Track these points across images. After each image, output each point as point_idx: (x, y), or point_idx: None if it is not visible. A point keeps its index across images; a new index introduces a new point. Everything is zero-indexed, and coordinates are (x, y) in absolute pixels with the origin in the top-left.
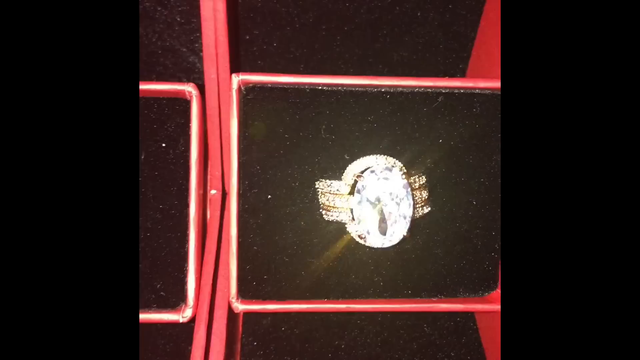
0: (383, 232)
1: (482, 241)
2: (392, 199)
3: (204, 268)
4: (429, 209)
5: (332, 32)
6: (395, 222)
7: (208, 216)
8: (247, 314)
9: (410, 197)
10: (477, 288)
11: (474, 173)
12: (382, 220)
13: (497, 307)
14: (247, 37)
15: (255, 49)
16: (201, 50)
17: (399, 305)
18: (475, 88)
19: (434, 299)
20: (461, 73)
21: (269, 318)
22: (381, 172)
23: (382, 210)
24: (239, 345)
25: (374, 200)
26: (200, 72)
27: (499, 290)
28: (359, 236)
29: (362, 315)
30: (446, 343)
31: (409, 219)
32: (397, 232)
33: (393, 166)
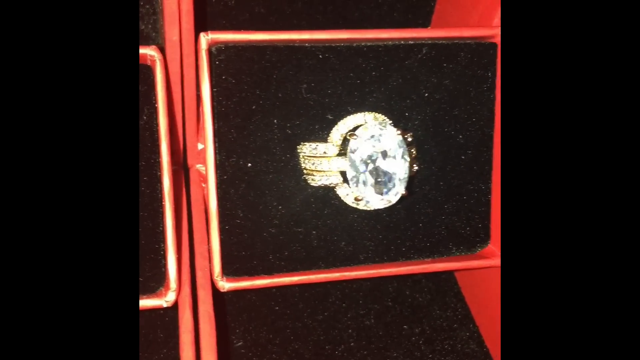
0: (380, 192)
1: (473, 196)
2: (388, 157)
3: (182, 247)
4: (417, 167)
5: None
6: (392, 180)
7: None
8: (233, 291)
9: (406, 153)
10: (469, 245)
11: (463, 126)
12: (379, 180)
13: (493, 261)
14: None
15: (216, 8)
16: (153, 13)
17: (392, 269)
18: (460, 37)
19: (429, 260)
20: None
21: (254, 294)
22: (374, 129)
23: (378, 170)
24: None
25: (369, 159)
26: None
27: (491, 245)
28: (355, 198)
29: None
30: (431, 303)
31: (406, 177)
32: (395, 191)
33: (385, 122)
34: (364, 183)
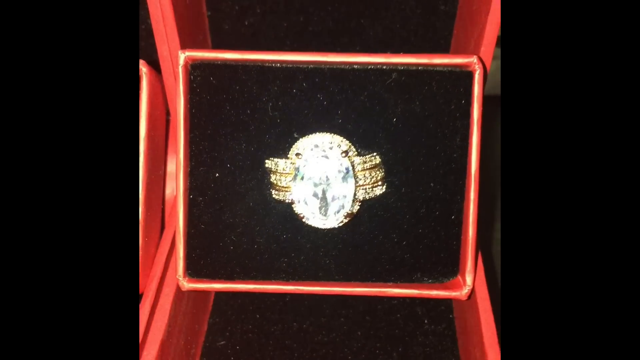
0: (324, 212)
1: (442, 225)
2: (331, 179)
3: (161, 247)
4: (383, 190)
5: (306, 5)
6: (335, 202)
7: (170, 194)
8: (218, 295)
9: (351, 176)
10: (436, 274)
11: (434, 154)
12: (322, 201)
13: (457, 293)
14: (210, 14)
15: (226, 26)
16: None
17: (349, 289)
18: (430, 65)
19: (387, 284)
20: (443, 52)
21: (239, 300)
22: (322, 150)
23: (321, 190)
24: (205, 326)
25: (313, 179)
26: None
27: (459, 277)
28: (299, 216)
29: (332, 299)
30: (417, 331)
31: (350, 199)
32: (338, 212)
33: (332, 144)
34: (306, 203)
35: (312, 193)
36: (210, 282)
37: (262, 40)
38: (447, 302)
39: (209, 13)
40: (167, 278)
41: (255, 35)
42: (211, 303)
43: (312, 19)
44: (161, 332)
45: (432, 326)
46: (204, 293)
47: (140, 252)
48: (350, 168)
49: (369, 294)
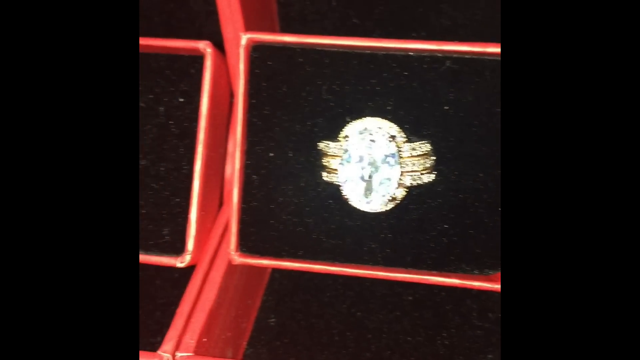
0: (369, 196)
1: (489, 216)
2: (378, 163)
3: (218, 221)
4: (432, 177)
5: None
6: (382, 186)
7: (229, 171)
8: (273, 274)
9: (398, 162)
10: (481, 265)
11: (483, 143)
12: (368, 184)
13: (497, 286)
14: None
15: (293, 13)
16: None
17: (392, 274)
18: (483, 54)
19: (431, 272)
20: None
21: (292, 280)
22: (370, 134)
23: (368, 174)
24: (258, 302)
25: (360, 162)
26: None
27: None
28: (347, 199)
29: (381, 286)
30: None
31: (395, 185)
32: (383, 197)
33: (381, 129)
34: (352, 185)
35: (358, 176)
36: (260, 258)
37: (328, 26)
38: (498, 297)
39: None
40: (221, 252)
41: (321, 21)
42: (266, 281)
43: (377, 6)
44: (210, 302)
45: (481, 321)
46: (259, 270)
47: (195, 226)
48: (398, 154)
49: (412, 280)
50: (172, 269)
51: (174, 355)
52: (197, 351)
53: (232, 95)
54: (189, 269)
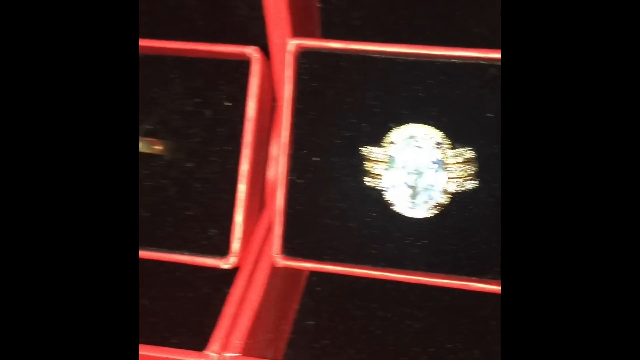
0: (414, 202)
1: None
2: (423, 169)
3: (260, 224)
4: (476, 184)
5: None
6: (426, 192)
7: (270, 176)
8: (311, 276)
9: (443, 168)
10: None
11: None
12: (413, 190)
13: None
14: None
15: (336, 19)
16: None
17: (433, 280)
18: None
19: (471, 278)
20: None
21: (330, 283)
22: (415, 141)
23: (412, 180)
24: (296, 305)
25: (405, 168)
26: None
27: None
28: (391, 204)
29: (417, 290)
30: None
31: (440, 191)
32: (427, 203)
33: (426, 135)
34: (397, 191)
35: (403, 182)
36: (302, 261)
37: (368, 32)
38: None
39: (320, 5)
40: (264, 254)
41: (362, 28)
42: (304, 284)
43: (417, 13)
44: (255, 304)
45: None
46: (297, 273)
47: (241, 229)
48: (442, 160)
49: (452, 286)
50: (210, 270)
51: (220, 356)
52: (245, 352)
53: (273, 99)
54: (228, 271)
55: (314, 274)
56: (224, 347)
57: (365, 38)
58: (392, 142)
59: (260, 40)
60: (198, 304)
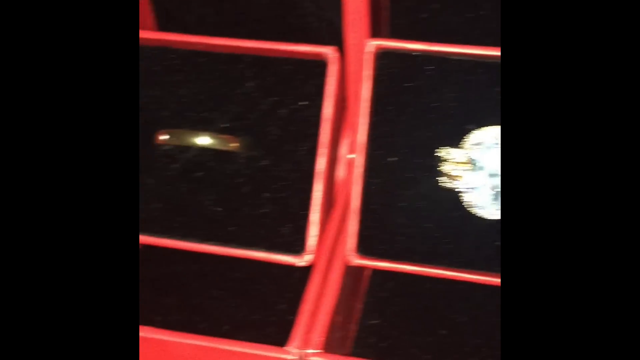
0: (495, 204)
1: None
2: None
3: (330, 223)
4: None
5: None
6: None
7: (339, 175)
8: (374, 275)
9: None
10: None
11: None
12: (494, 192)
13: None
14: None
15: (402, 20)
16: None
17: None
18: None
19: None
20: None
21: (394, 282)
22: (495, 143)
23: (492, 182)
24: (360, 304)
25: (487, 170)
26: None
27: None
28: (470, 205)
29: (485, 291)
30: None
31: None
32: None
33: None
34: (477, 193)
35: (484, 184)
36: (377, 260)
37: (432, 34)
38: None
39: (389, 5)
40: (337, 253)
41: (429, 29)
42: (367, 283)
43: (483, 14)
44: (332, 301)
45: None
46: (362, 272)
47: (317, 227)
48: None
49: None
50: (280, 267)
51: (302, 352)
52: (326, 349)
53: (344, 100)
54: (301, 269)
55: (376, 272)
56: (305, 344)
57: (433, 39)
58: (473, 144)
59: (331, 41)
60: (264, 301)
